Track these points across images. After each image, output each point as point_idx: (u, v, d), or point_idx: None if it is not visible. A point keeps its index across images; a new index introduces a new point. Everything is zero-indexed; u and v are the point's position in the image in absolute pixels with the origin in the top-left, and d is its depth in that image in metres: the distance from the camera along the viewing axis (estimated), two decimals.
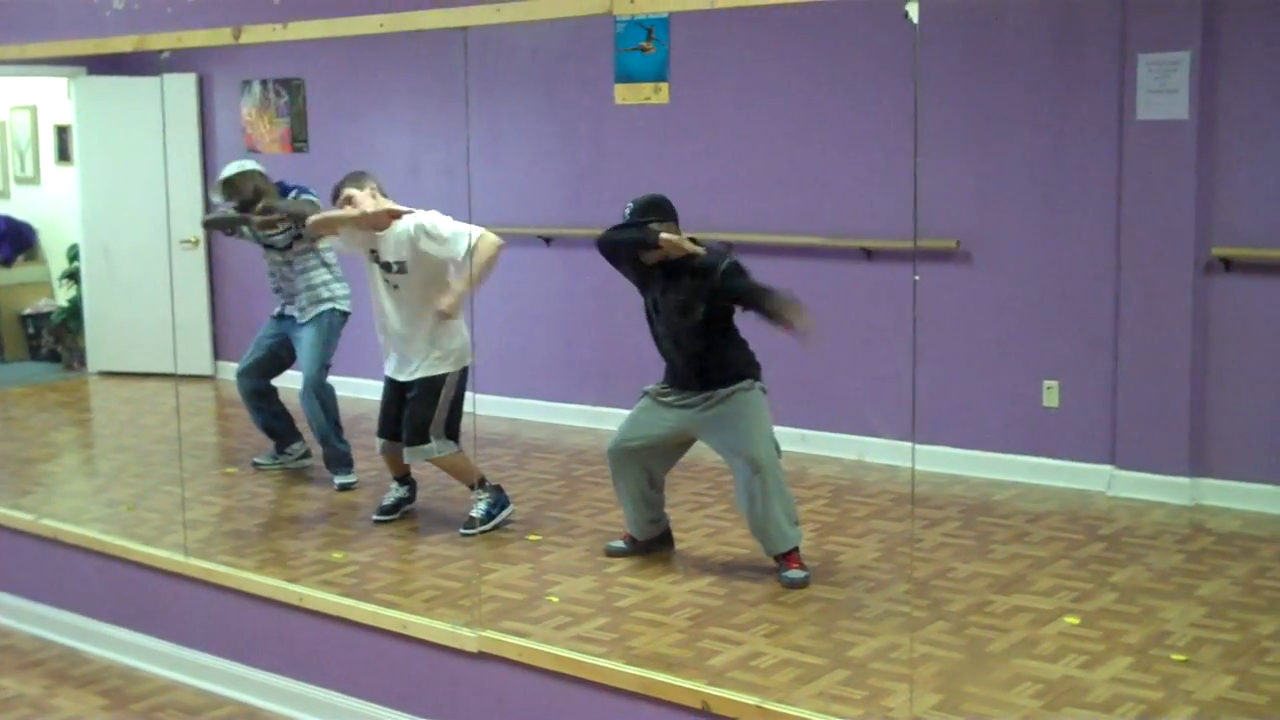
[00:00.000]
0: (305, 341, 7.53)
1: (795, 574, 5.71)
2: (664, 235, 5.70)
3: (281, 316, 7.68)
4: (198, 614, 6.03)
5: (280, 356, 7.78)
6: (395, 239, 6.51)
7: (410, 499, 6.90)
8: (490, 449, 7.86)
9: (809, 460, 7.68)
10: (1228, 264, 6.69)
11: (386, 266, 6.55)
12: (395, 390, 6.65)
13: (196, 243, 10.60)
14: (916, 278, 4.69)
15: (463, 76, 5.30)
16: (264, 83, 10.25)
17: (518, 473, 7.58)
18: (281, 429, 7.84)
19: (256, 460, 7.92)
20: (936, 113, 7.19)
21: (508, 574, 5.93)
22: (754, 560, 6.03)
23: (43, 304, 11.79)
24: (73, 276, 11.31)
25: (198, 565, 6.01)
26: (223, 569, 5.96)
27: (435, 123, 9.23)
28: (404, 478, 6.88)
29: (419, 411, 6.49)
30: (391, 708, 5.31)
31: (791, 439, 7.88)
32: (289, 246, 7.48)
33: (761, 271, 7.96)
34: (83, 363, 11.11)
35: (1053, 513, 6.69)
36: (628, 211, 5.84)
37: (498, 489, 6.66)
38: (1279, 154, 6.58)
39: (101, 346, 10.94)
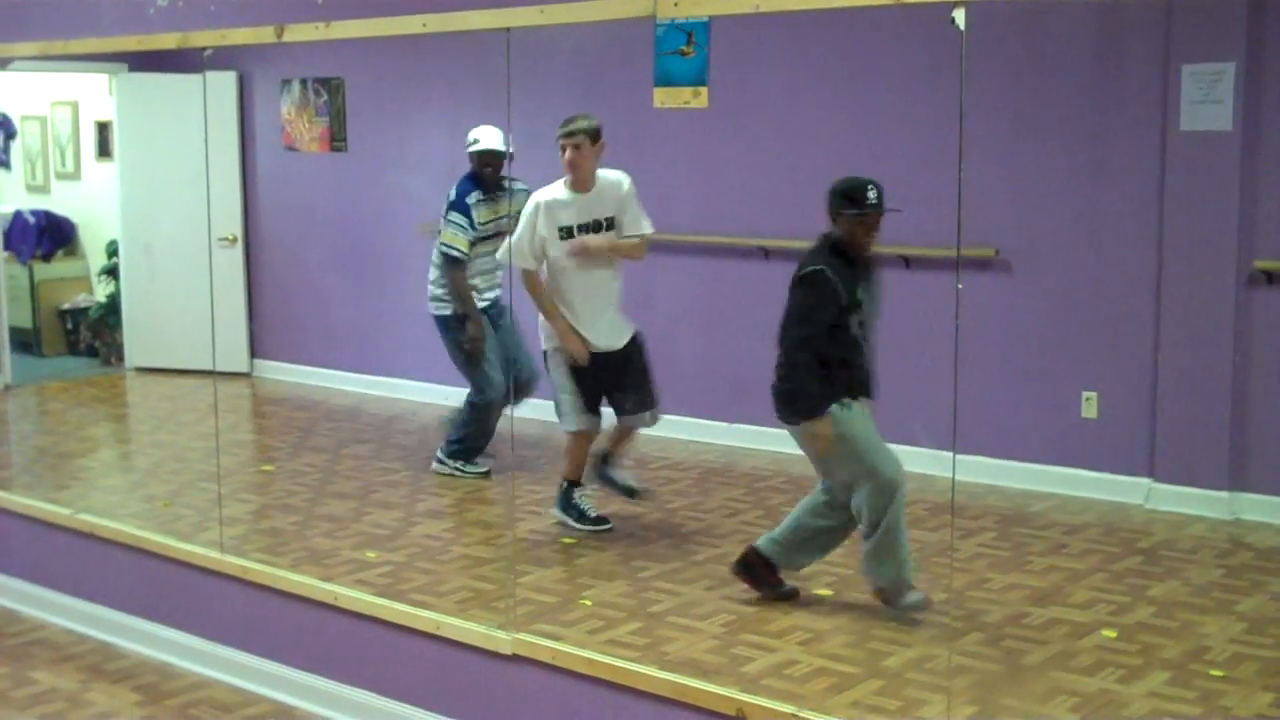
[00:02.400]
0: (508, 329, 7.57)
1: (914, 596, 5.36)
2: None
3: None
4: (232, 611, 6.05)
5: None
6: (604, 195, 6.40)
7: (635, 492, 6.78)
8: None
9: None
10: (1270, 277, 6.64)
11: (596, 227, 6.40)
12: (595, 366, 6.45)
13: (235, 240, 10.64)
14: (959, 286, 4.65)
15: (504, 77, 5.30)
16: (304, 81, 10.28)
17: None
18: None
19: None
20: (978, 120, 7.13)
21: (541, 577, 5.93)
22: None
23: (81, 299, 11.85)
24: (111, 272, 11.36)
25: (233, 562, 6.03)
26: (257, 566, 5.98)
27: (474, 123, 9.22)
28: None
29: (646, 374, 6.51)
30: (424, 708, 5.31)
31: None
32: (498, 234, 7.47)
33: None
34: (120, 358, 11.16)
35: (1090, 525, 6.64)
36: (874, 195, 5.32)
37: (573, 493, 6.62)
38: None
39: (139, 342, 10.99)
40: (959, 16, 3.81)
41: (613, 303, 6.46)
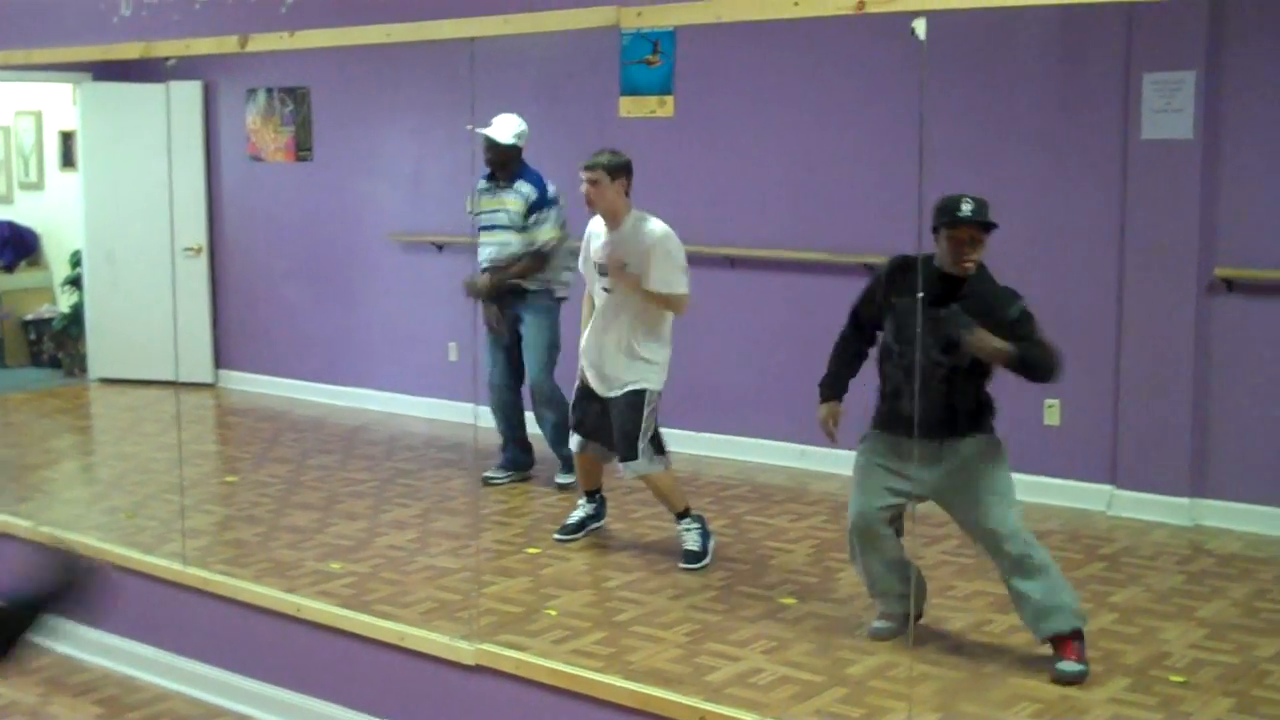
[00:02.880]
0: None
1: (1070, 666, 4.87)
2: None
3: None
4: (195, 623, 6.02)
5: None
6: (628, 239, 6.15)
7: (597, 517, 6.69)
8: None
9: (809, 476, 7.66)
10: (1230, 285, 6.69)
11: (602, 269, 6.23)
12: (593, 397, 6.33)
13: (200, 250, 10.61)
14: (920, 294, 4.66)
15: (469, 87, 5.30)
16: (269, 91, 10.26)
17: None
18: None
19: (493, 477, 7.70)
20: (940, 129, 7.17)
21: (506, 587, 5.92)
22: (753, 576, 6.03)
23: (44, 310, 11.78)
24: (75, 283, 11.30)
25: (195, 574, 6.00)
26: (220, 578, 5.95)
27: (440, 133, 9.23)
28: (594, 493, 6.66)
29: (626, 429, 6.17)
30: (388, 719, 5.29)
31: (791, 454, 7.90)
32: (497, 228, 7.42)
33: (764, 286, 8.01)
34: (84, 369, 11.10)
35: (1053, 531, 6.67)
36: (971, 210, 4.89)
37: (702, 518, 6.36)
38: None
39: (103, 353, 10.93)
40: (919, 26, 3.82)
41: (619, 348, 6.18)
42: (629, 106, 8.42)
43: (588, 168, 6.17)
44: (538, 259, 7.26)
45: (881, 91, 7.48)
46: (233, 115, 10.53)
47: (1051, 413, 7.19)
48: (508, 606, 5.66)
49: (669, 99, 8.28)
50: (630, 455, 6.16)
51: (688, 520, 6.27)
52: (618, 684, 4.71)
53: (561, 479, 7.44)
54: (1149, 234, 6.82)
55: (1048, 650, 5.00)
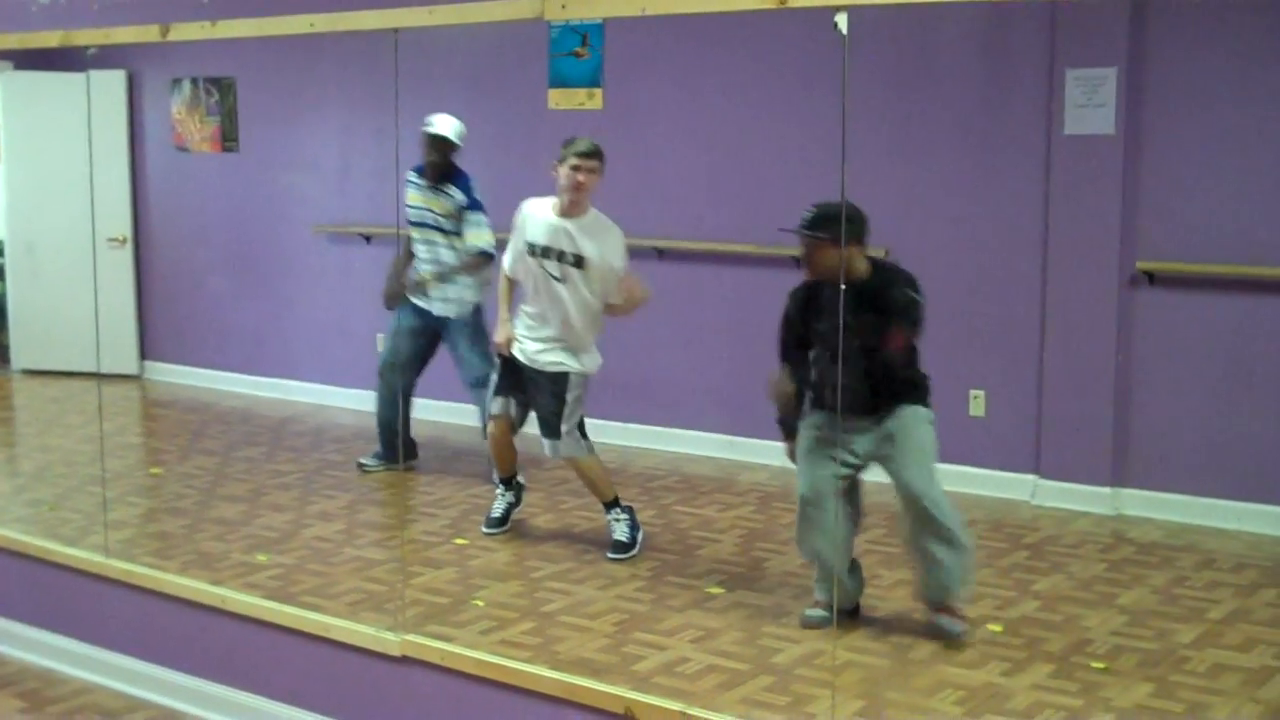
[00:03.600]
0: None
1: (955, 625, 5.19)
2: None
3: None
4: (118, 616, 5.96)
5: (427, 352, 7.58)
6: (588, 232, 6.13)
7: (517, 504, 6.71)
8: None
9: (737, 467, 7.70)
10: (1151, 278, 6.78)
11: (561, 256, 6.12)
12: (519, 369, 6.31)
13: (124, 240, 10.50)
14: (843, 286, 4.70)
15: (393, 78, 5.27)
16: (194, 81, 10.16)
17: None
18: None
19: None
20: (866, 122, 7.24)
21: (434, 578, 5.91)
22: (681, 566, 6.05)
23: None
24: None
25: (118, 566, 5.94)
26: (143, 570, 5.89)
27: (367, 125, 9.19)
28: (510, 480, 6.65)
29: (556, 409, 6.19)
30: (314, 711, 5.26)
31: (719, 445, 7.94)
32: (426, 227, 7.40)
33: (693, 278, 8.03)
34: (6, 360, 10.96)
35: (977, 521, 6.73)
36: (804, 221, 5.13)
37: (630, 509, 6.38)
38: (1202, 170, 6.67)
39: (26, 344, 10.80)
40: (841, 20, 3.84)
41: (559, 334, 6.17)
42: (558, 99, 8.41)
43: (587, 155, 6.11)
44: (485, 259, 7.23)
45: (807, 85, 7.52)
46: (158, 105, 10.42)
47: (976, 404, 7.26)
48: (435, 598, 5.64)
49: (598, 92, 8.29)
50: (553, 434, 6.19)
51: (617, 510, 6.29)
52: (545, 674, 4.71)
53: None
54: (1072, 228, 6.90)
55: (973, 639, 5.11)
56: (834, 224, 4.89)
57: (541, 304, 6.20)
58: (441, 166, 7.26)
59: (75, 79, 9.72)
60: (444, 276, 7.26)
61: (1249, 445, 6.66)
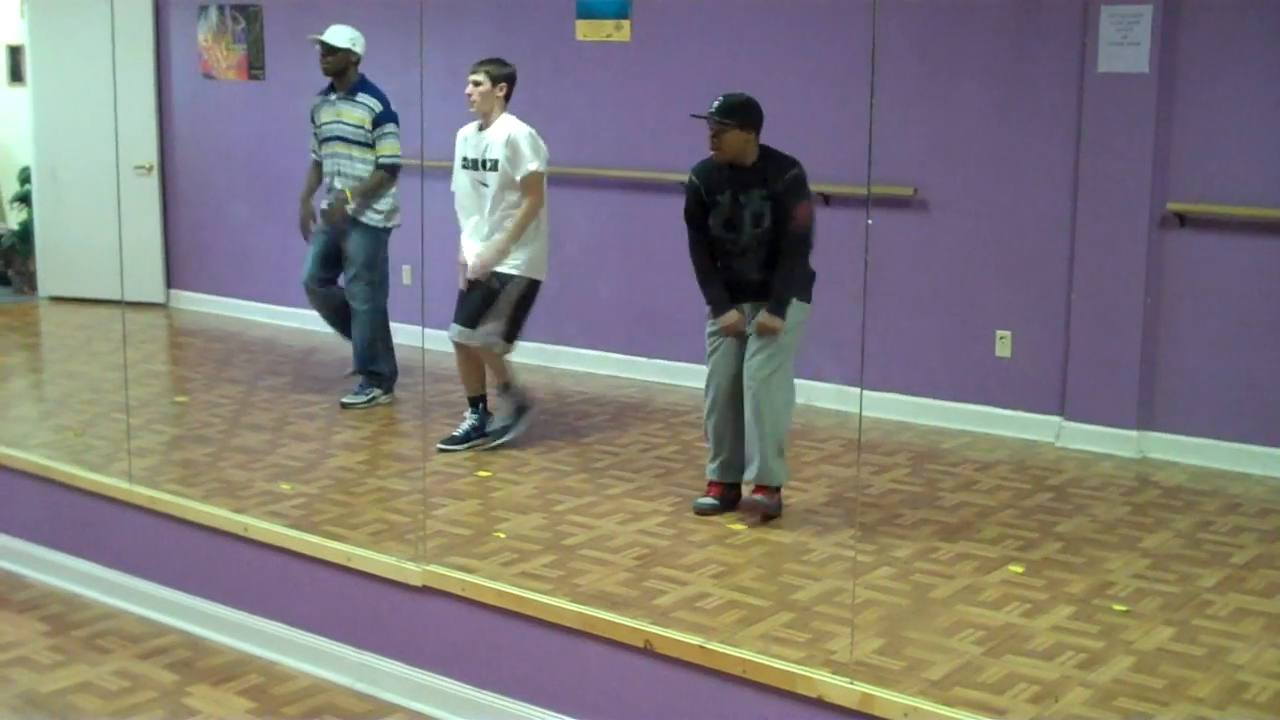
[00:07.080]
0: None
1: (771, 502, 5.81)
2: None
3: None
4: (141, 542, 6.00)
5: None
6: (494, 139, 6.65)
7: (481, 429, 6.88)
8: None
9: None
10: (1183, 219, 6.71)
11: (478, 164, 6.70)
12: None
13: (151, 168, 10.48)
14: (870, 221, 4.67)
15: (418, 6, 5.23)
16: (221, 8, 10.11)
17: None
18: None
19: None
20: (897, 59, 7.16)
21: (456, 509, 5.92)
22: None
23: None
24: (24, 199, 11.16)
25: (142, 493, 5.97)
26: (167, 497, 5.93)
27: (391, 54, 9.10)
28: (477, 401, 6.89)
29: (486, 300, 6.65)
30: (335, 639, 5.30)
31: None
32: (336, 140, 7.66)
33: None
34: (34, 287, 10.99)
35: (1001, 462, 6.72)
36: (713, 107, 5.84)
37: (525, 405, 6.89)
38: (1237, 110, 6.58)
39: (53, 271, 10.82)
40: None
41: (489, 232, 6.66)
42: (586, 30, 8.34)
43: (476, 68, 6.65)
44: (391, 174, 7.44)
45: (838, 20, 7.44)
46: (184, 32, 10.38)
47: (1003, 344, 7.22)
48: (457, 529, 5.66)
49: (626, 23, 8.21)
50: (469, 324, 6.61)
51: (510, 396, 6.80)
52: (565, 606, 4.73)
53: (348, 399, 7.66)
54: (1103, 167, 6.83)
55: (994, 579, 5.11)
56: (739, 112, 5.74)
57: (477, 212, 6.72)
58: (341, 75, 7.51)
59: (101, 3, 9.64)
60: (361, 198, 7.45)
61: (1277, 390, 6.61)
